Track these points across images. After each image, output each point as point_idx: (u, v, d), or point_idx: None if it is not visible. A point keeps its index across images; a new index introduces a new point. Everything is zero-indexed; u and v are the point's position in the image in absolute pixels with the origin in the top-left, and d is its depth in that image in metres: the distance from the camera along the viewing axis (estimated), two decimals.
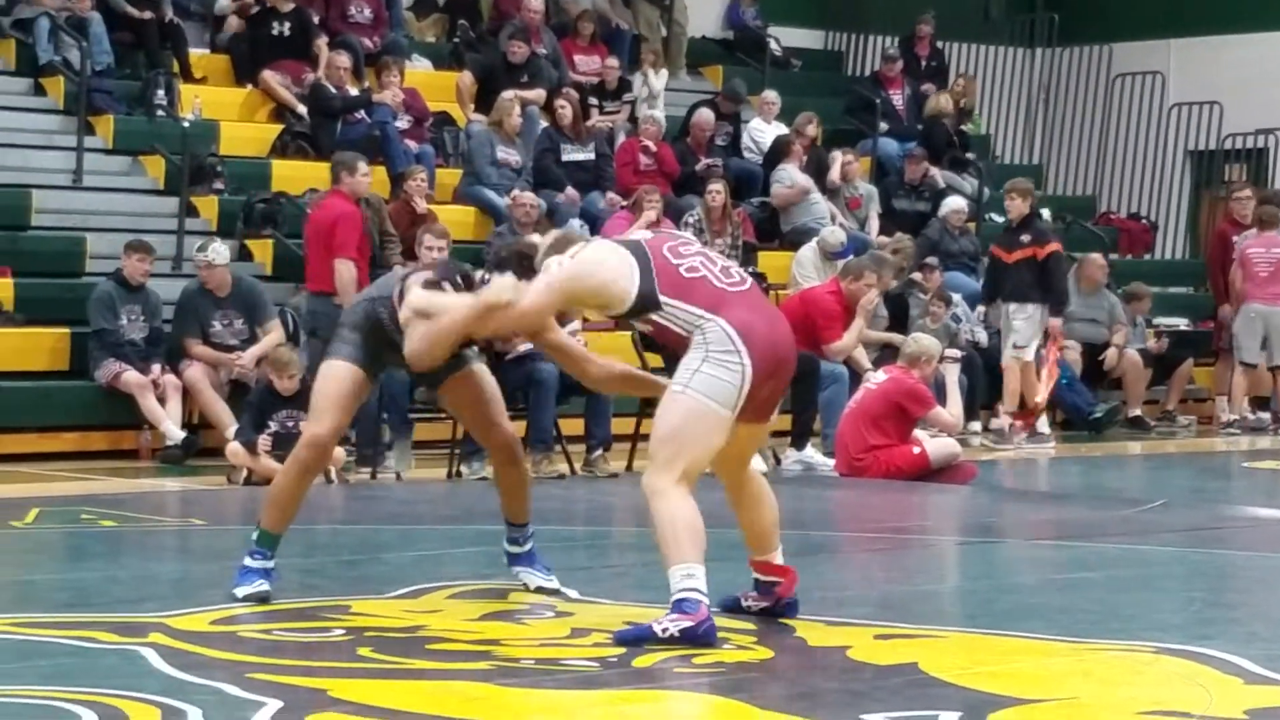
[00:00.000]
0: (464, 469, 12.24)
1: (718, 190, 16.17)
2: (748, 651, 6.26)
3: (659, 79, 18.75)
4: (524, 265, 6.69)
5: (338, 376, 7.04)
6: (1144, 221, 21.76)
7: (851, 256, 15.14)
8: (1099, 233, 20.22)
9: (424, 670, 5.93)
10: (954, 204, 18.03)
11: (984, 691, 5.63)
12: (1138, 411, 17.39)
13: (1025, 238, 15.51)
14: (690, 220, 16.03)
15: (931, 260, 16.59)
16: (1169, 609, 7.48)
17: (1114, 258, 19.85)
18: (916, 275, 16.36)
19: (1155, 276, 19.69)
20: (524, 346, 12.40)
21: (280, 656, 6.03)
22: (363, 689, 5.59)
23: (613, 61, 18.52)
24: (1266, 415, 17.72)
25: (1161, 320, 18.45)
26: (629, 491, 12.27)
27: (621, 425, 12.92)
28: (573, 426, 12.72)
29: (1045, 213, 19.04)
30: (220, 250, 13.23)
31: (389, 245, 14.60)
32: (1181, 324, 18.67)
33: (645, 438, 13.08)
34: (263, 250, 15.21)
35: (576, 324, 12.29)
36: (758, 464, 9.41)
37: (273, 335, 13.02)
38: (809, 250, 16.18)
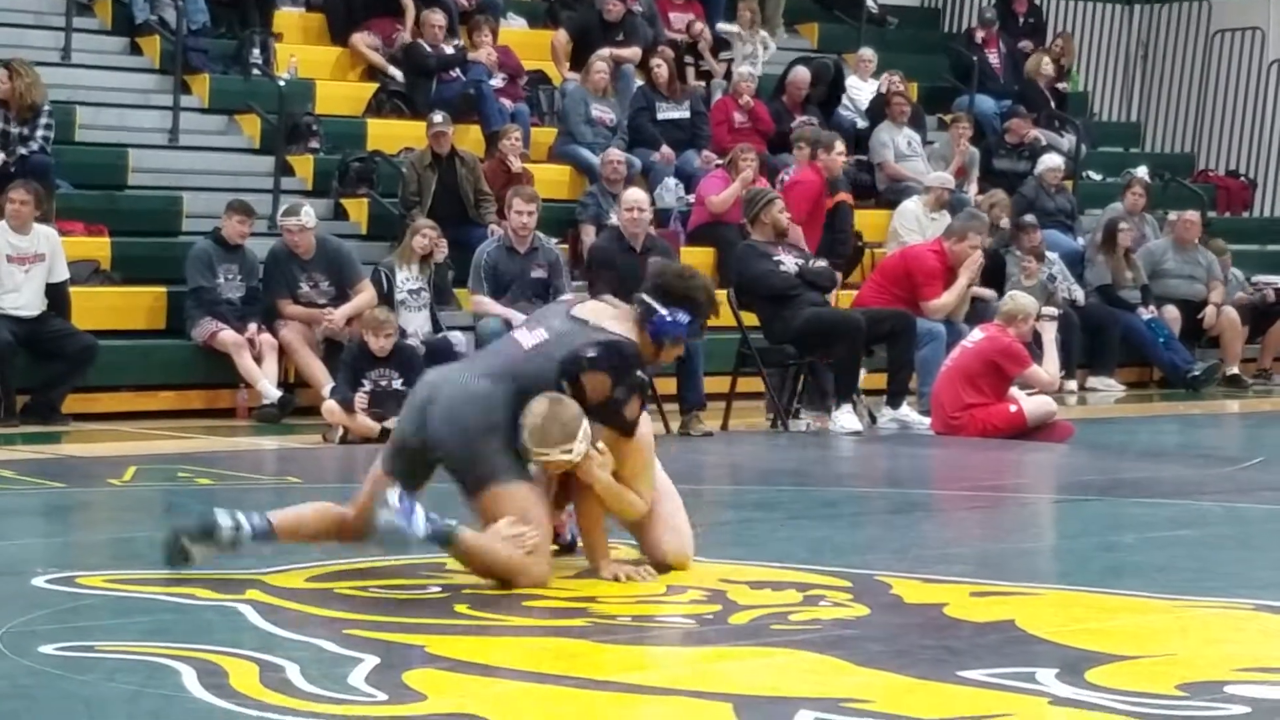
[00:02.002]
0: None
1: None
2: (844, 609, 6.24)
3: (759, 40, 18.58)
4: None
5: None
6: (1242, 179, 21.55)
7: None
8: (1197, 190, 20.04)
9: (521, 627, 5.94)
10: (1050, 162, 17.90)
11: (1081, 648, 5.60)
12: (1235, 369, 17.25)
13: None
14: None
15: (1029, 218, 16.47)
16: (1267, 566, 7.42)
17: (1212, 215, 19.69)
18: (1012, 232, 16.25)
19: (1254, 234, 19.52)
20: None
21: (377, 613, 6.05)
22: (460, 645, 5.60)
23: (703, 26, 18.43)
24: None
25: (1261, 278, 18.26)
26: (723, 450, 12.30)
27: (715, 385, 12.91)
28: (667, 386, 12.71)
29: (1142, 170, 18.90)
30: (309, 213, 13.27)
31: (484, 204, 14.62)
32: (1278, 280, 18.47)
33: (741, 396, 13.22)
34: (358, 209, 15.26)
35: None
36: None
37: (364, 295, 13.05)
38: (912, 204, 16.10)
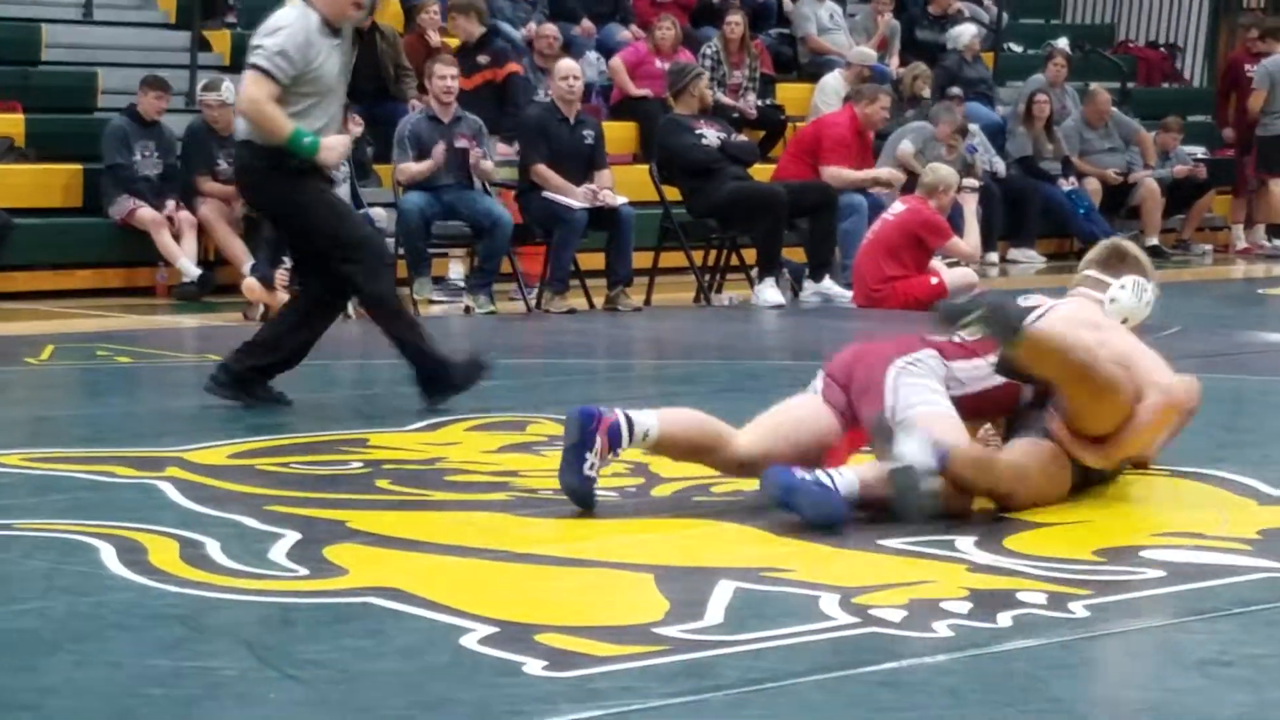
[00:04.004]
0: (471, 302, 12.23)
1: (736, 21, 15.99)
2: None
3: None
4: None
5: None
6: (1162, 49, 21.57)
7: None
8: (1117, 61, 20.06)
9: (442, 501, 5.94)
10: (969, 31, 17.86)
11: (1002, 516, 5.64)
12: (1155, 240, 17.33)
13: (483, 59, 14.34)
14: (708, 52, 15.88)
15: (955, 90, 16.45)
16: (1184, 433, 7.47)
17: (1132, 86, 19.72)
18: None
19: (1173, 105, 19.54)
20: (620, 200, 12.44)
21: (298, 489, 6.05)
22: (381, 520, 5.60)
23: None
24: None
25: (1181, 149, 18.31)
26: (649, 325, 12.30)
27: (641, 260, 12.89)
28: (592, 262, 12.69)
29: (1063, 41, 18.89)
30: (229, 88, 13.13)
31: (404, 79, 14.49)
32: (1199, 152, 18.56)
33: (664, 271, 13.20)
34: None
35: None
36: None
37: None
38: (833, 78, 16.05)
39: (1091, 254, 6.48)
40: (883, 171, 13.83)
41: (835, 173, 13.57)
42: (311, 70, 7.72)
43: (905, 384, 5.85)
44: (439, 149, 12.31)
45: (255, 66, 7.71)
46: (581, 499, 5.70)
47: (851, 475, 5.56)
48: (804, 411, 6.01)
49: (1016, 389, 5.97)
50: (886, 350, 6.02)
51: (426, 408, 7.72)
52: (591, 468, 5.67)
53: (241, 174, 8.28)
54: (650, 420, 5.77)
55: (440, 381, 7.83)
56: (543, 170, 12.44)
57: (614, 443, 5.70)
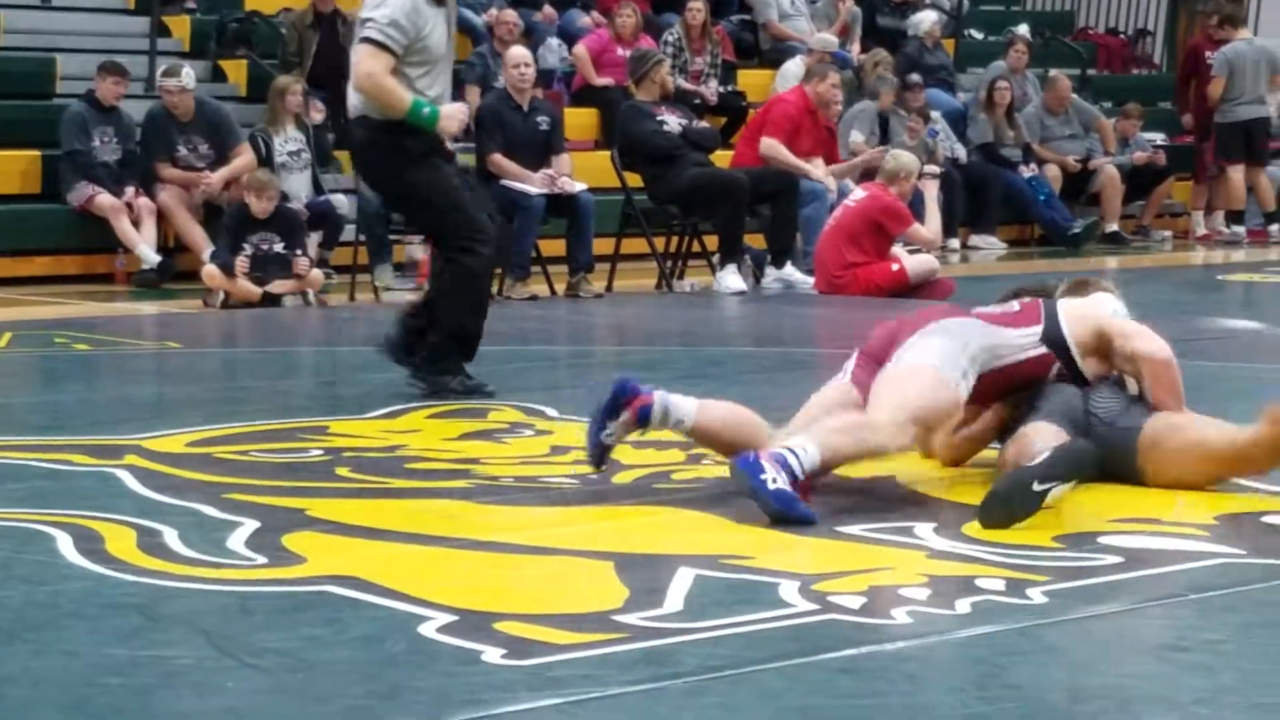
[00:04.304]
0: None
1: (697, 8, 16.00)
2: (727, 467, 6.24)
3: None
4: None
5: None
6: (1122, 36, 21.62)
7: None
8: (1077, 48, 20.09)
9: (402, 489, 5.93)
10: (930, 18, 17.89)
11: (961, 503, 5.65)
12: (1114, 227, 17.39)
13: None
14: (669, 39, 15.88)
15: (914, 77, 16.47)
16: None
17: (1092, 73, 19.77)
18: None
19: (1133, 92, 19.59)
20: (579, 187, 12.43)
21: (257, 477, 6.03)
22: (341, 508, 5.59)
23: None
24: (1241, 229, 17.82)
25: (1141, 135, 18.35)
26: (610, 312, 12.29)
27: (602, 246, 12.88)
28: (554, 248, 12.68)
29: (1024, 28, 18.91)
30: (188, 74, 13.09)
31: None
32: (1159, 139, 18.61)
33: (626, 258, 13.19)
34: (236, 71, 15.07)
35: None
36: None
37: (243, 159, 12.90)
38: (795, 64, 16.05)
39: (1059, 290, 6.50)
40: (815, 170, 13.75)
41: (771, 144, 13.54)
42: (422, 39, 7.63)
43: (916, 341, 5.87)
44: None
45: (368, 40, 7.62)
46: (592, 457, 5.85)
47: (815, 451, 5.55)
48: (832, 397, 6.00)
49: (1051, 360, 6.02)
50: (931, 315, 6.05)
51: (420, 380, 7.68)
52: (610, 435, 5.81)
53: (358, 151, 8.19)
54: (688, 409, 5.82)
55: (408, 352, 7.79)
56: (499, 159, 12.43)
57: (642, 422, 5.79)
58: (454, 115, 7.74)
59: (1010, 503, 5.33)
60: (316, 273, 12.15)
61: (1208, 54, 18.06)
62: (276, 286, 11.77)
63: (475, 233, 7.73)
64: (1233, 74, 17.54)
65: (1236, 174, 17.73)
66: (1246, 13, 19.63)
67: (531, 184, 12.34)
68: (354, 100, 7.80)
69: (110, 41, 14.79)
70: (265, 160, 12.86)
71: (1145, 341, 6.07)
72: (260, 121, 13.33)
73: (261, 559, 4.95)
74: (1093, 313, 6.19)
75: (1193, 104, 18.57)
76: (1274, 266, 15.40)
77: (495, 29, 15.21)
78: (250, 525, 5.30)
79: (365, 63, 7.63)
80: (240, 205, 11.95)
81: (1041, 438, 5.73)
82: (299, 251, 11.94)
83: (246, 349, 10.42)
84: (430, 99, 7.68)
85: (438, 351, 7.75)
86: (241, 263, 11.68)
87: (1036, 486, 5.36)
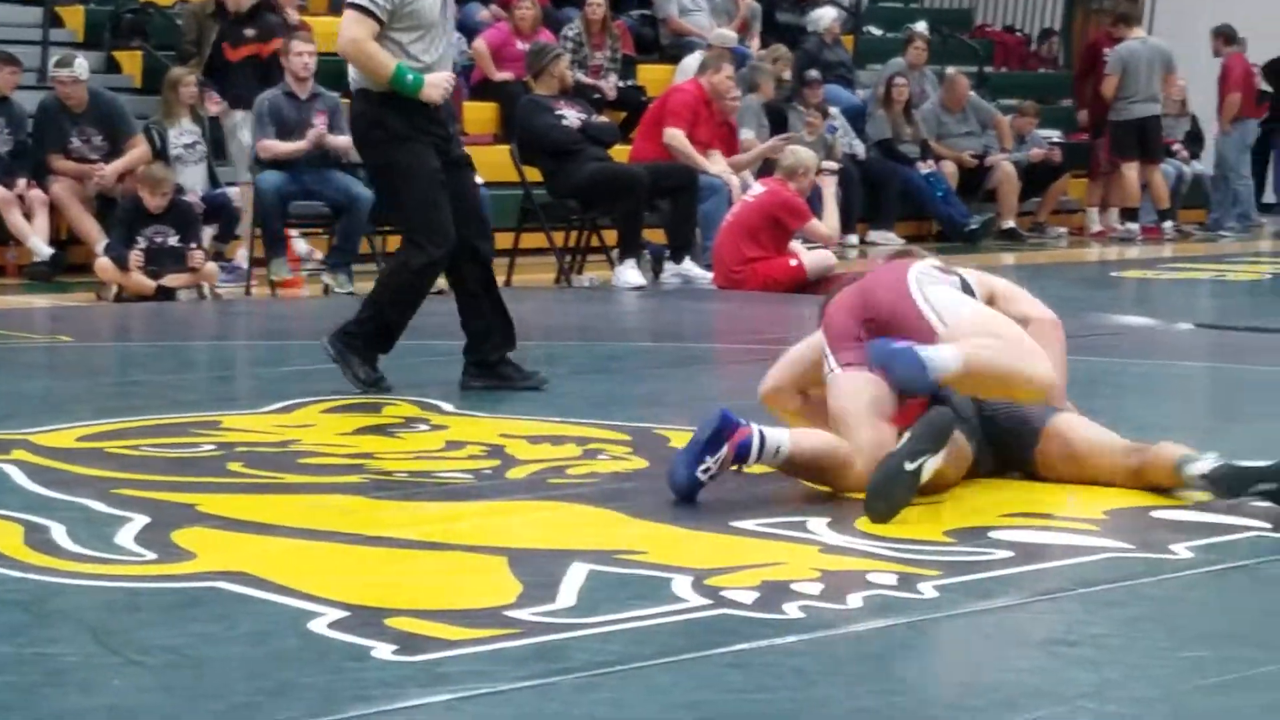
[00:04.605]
0: (331, 281, 12.15)
1: (597, 3, 16.00)
2: (622, 462, 6.26)
3: None
4: None
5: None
6: (1019, 34, 21.77)
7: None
8: (975, 46, 20.22)
9: (295, 484, 5.89)
10: (829, 14, 17.95)
11: (855, 498, 5.66)
12: (1011, 223, 17.51)
13: (250, 32, 13.73)
14: (569, 33, 15.87)
15: (812, 73, 16.53)
16: None
17: (990, 70, 19.90)
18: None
19: (1029, 89, 19.75)
20: None
21: (148, 472, 5.97)
22: (232, 503, 5.55)
23: None
24: (1135, 226, 18.00)
25: (1037, 133, 18.50)
26: (509, 306, 12.14)
27: (501, 241, 12.83)
28: None
29: (922, 25, 19.01)
30: (81, 64, 12.97)
31: None
32: (1055, 136, 18.76)
33: (525, 253, 13.16)
34: (131, 62, 14.95)
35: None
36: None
37: (137, 151, 12.80)
38: (694, 60, 16.06)
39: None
40: (714, 165, 13.78)
41: (674, 134, 13.56)
42: (409, 3, 7.55)
43: (931, 289, 5.83)
44: (314, 131, 12.21)
45: (352, 5, 7.54)
46: (683, 494, 5.56)
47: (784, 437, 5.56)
48: (878, 390, 5.75)
49: None
50: (895, 272, 5.94)
51: (329, 344, 7.63)
52: (706, 471, 5.54)
53: (352, 124, 8.08)
54: (781, 438, 5.65)
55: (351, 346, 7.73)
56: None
57: (740, 456, 5.58)
58: (437, 84, 7.61)
59: (889, 492, 5.33)
60: (211, 265, 12.08)
61: (1106, 51, 18.21)
62: (171, 280, 11.68)
63: (432, 234, 7.62)
64: (1126, 72, 17.69)
65: (1131, 171, 17.90)
66: (1141, 12, 19.79)
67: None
68: (351, 73, 7.75)
69: (2, 31, 14.63)
70: (159, 153, 12.76)
71: (1034, 305, 6.09)
72: (155, 113, 13.23)
73: (151, 555, 4.90)
74: (986, 276, 6.21)
75: (1089, 101, 18.73)
76: (1167, 263, 15.55)
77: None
78: (140, 521, 5.25)
79: (348, 28, 7.57)
80: (134, 198, 11.86)
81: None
82: (193, 245, 11.86)
83: (140, 343, 10.34)
84: (425, 64, 7.59)
85: (356, 330, 7.70)
86: (135, 256, 11.60)
87: (908, 466, 5.36)
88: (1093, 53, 18.83)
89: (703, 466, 5.54)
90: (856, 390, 5.75)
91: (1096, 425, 5.95)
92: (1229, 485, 5.51)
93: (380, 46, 7.54)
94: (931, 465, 5.42)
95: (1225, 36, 18.86)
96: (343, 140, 12.33)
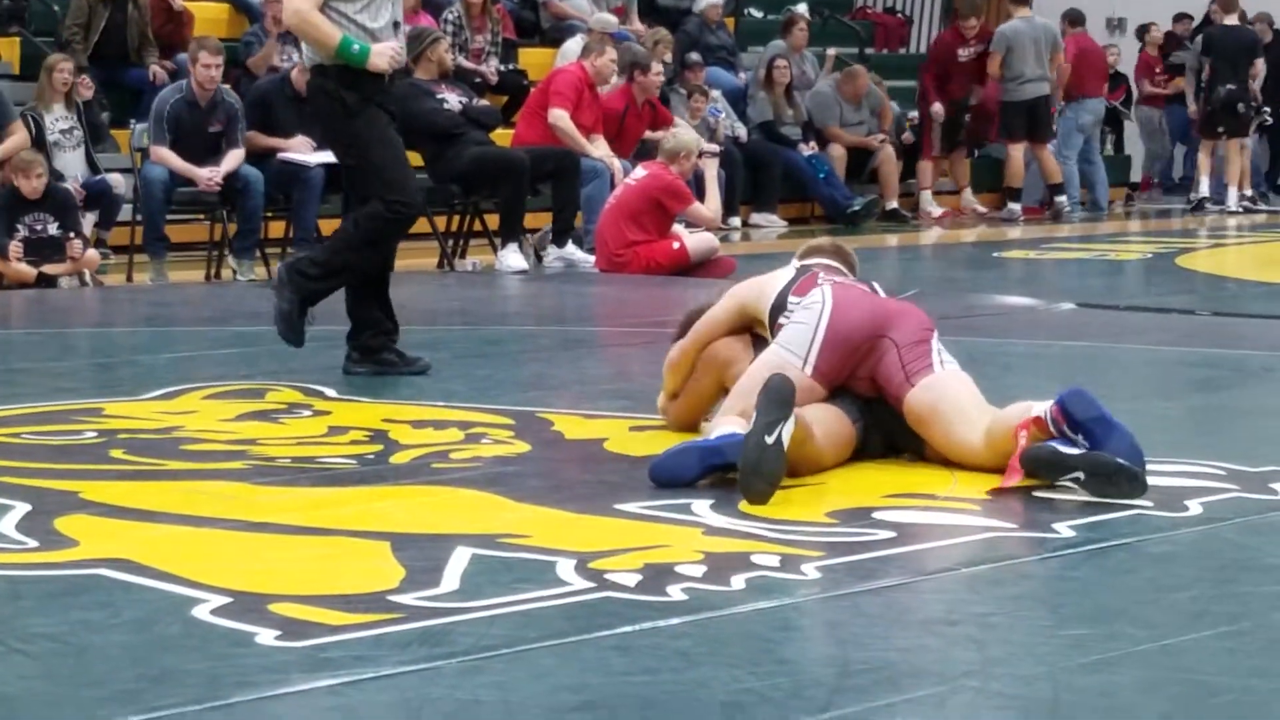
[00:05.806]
0: (228, 269, 12.12)
1: None
2: (505, 446, 6.27)
3: None
4: None
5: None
6: (899, 15, 21.89)
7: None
8: (855, 27, 20.32)
9: (178, 471, 5.87)
10: None
11: (734, 479, 5.69)
12: (894, 204, 17.62)
13: None
14: (449, 17, 15.82)
15: (694, 56, 16.55)
16: None
17: (869, 52, 20.00)
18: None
19: (909, 70, 19.86)
20: None
21: (29, 459, 5.93)
22: (115, 490, 5.52)
23: None
24: (1017, 206, 18.12)
25: (914, 113, 18.61)
26: (392, 291, 12.15)
27: None
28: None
29: (803, 7, 19.07)
30: None
31: (146, 46, 14.27)
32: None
33: (407, 237, 13.04)
34: (9, 49, 14.79)
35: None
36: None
37: (16, 138, 12.64)
38: (575, 43, 16.07)
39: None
40: (596, 149, 13.77)
41: (559, 115, 13.54)
42: None
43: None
44: (210, 178, 12.16)
45: None
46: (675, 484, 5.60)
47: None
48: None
49: None
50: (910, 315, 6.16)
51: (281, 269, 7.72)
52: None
53: (309, 100, 8.09)
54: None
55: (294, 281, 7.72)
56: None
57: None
58: (383, 52, 7.60)
59: (758, 470, 5.34)
60: (92, 253, 11.99)
61: (959, 51, 18.18)
62: (51, 268, 11.58)
63: (404, 193, 7.72)
64: (1011, 50, 17.73)
65: (1016, 152, 18.03)
66: None
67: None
68: (305, 49, 7.79)
69: None
70: (37, 139, 12.63)
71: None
72: (32, 100, 13.10)
73: (32, 542, 4.87)
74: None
75: (935, 93, 18.37)
76: (1048, 243, 15.69)
77: (268, 9, 14.99)
78: (21, 508, 5.22)
79: (292, 0, 7.55)
80: (11, 187, 11.74)
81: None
82: (73, 233, 11.76)
83: (20, 330, 10.24)
84: (373, 31, 7.58)
85: (308, 267, 7.70)
86: (15, 246, 11.49)
87: (768, 439, 5.37)
88: (940, 48, 18.75)
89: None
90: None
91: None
92: (1046, 469, 5.56)
93: (325, 18, 7.53)
94: (788, 430, 5.44)
95: (1070, 19, 19.13)
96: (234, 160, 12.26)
